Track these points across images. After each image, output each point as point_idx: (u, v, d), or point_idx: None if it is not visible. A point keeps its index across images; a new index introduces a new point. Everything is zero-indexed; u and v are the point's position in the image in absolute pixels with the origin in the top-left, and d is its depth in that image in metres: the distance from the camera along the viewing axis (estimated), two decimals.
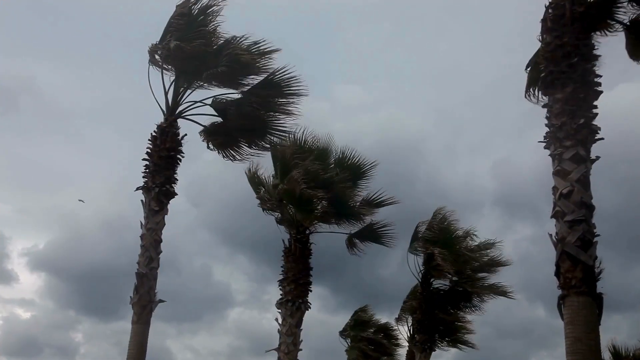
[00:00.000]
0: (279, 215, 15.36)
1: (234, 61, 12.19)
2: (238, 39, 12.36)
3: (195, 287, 45.32)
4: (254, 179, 15.56)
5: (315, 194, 14.26)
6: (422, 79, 54.54)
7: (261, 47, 12.40)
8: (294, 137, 15.01)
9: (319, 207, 14.51)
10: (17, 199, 48.64)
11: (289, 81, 12.61)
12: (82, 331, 44.57)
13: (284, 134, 13.41)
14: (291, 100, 12.86)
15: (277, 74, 12.57)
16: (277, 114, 13.06)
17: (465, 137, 50.70)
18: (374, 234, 16.00)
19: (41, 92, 45.81)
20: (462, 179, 45.16)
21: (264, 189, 15.37)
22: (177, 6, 12.34)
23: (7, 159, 45.89)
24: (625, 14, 9.70)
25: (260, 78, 12.70)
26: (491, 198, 42.44)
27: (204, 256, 47.38)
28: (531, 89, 10.73)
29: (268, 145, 13.52)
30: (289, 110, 12.95)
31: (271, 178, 15.45)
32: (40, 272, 50.31)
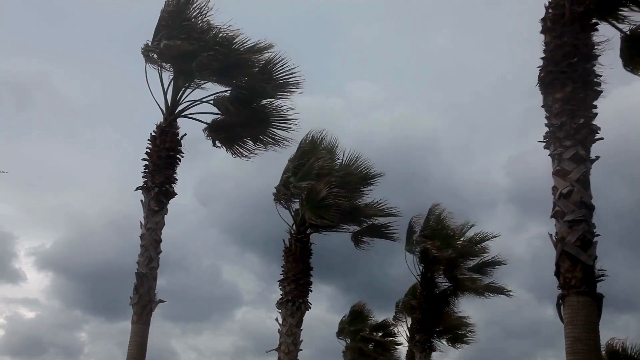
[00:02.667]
0: (291, 211, 15.41)
1: (224, 49, 12.14)
2: (230, 35, 12.29)
3: (203, 286, 45.53)
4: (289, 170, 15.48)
5: (341, 203, 14.28)
6: (431, 76, 54.38)
7: (255, 44, 12.40)
8: (313, 137, 15.35)
9: (331, 216, 14.43)
10: (23, 198, 48.71)
11: (284, 70, 12.63)
12: (87, 331, 44.67)
13: (286, 125, 13.39)
14: (288, 90, 12.86)
15: (270, 64, 12.57)
16: (275, 105, 13.10)
17: (479, 135, 50.35)
18: (378, 231, 16.04)
19: (44, 92, 45.91)
20: (476, 177, 45.02)
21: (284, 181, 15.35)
22: (165, 4, 12.29)
23: (10, 159, 45.94)
24: (625, 19, 9.69)
25: (255, 69, 12.69)
26: (505, 196, 42.12)
27: (213, 255, 47.51)
28: None
29: (271, 140, 13.51)
30: (287, 97, 12.99)
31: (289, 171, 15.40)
32: (48, 271, 50.48)
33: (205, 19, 12.38)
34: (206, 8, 12.30)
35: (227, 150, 13.66)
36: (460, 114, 51.41)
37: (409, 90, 55.43)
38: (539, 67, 8.97)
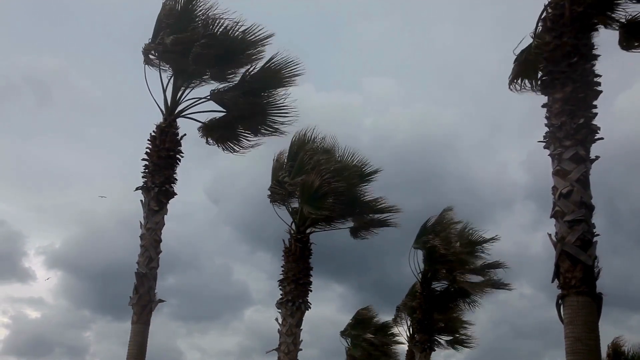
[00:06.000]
0: (289, 209, 15.43)
1: (223, 42, 12.17)
2: (231, 26, 12.30)
3: (215, 285, 45.55)
4: (277, 169, 15.46)
5: (334, 188, 14.25)
6: (440, 73, 54.09)
7: (255, 33, 12.39)
8: (305, 134, 15.34)
9: (329, 205, 14.39)
10: (31, 197, 48.67)
11: (286, 65, 12.63)
12: (94, 330, 44.57)
13: (284, 116, 13.35)
14: (288, 81, 12.86)
15: (272, 60, 12.58)
16: (275, 95, 13.10)
17: (496, 131, 49.83)
18: (377, 221, 16.01)
19: (49, 90, 45.86)
20: (494, 174, 44.51)
21: (278, 180, 15.35)
22: (163, 4, 12.30)
23: (15, 158, 46.01)
24: (625, 10, 9.80)
25: (254, 61, 12.70)
26: (524, 193, 41.58)
27: (225, 254, 47.49)
28: (516, 80, 10.95)
29: (270, 130, 13.48)
30: (287, 84, 12.94)
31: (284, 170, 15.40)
32: (57, 270, 50.32)
33: (207, 17, 12.35)
34: (205, 5, 12.32)
35: (219, 146, 13.66)
36: (477, 110, 50.96)
37: (421, 86, 55.24)
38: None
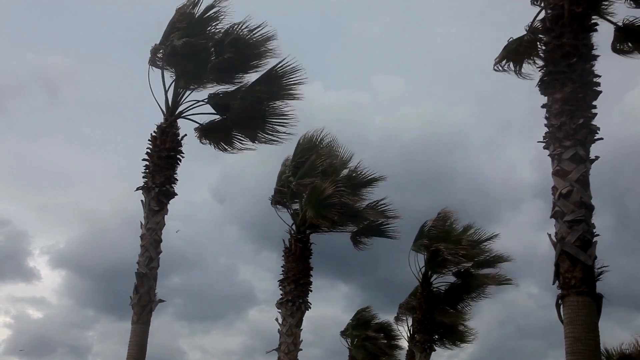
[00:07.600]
0: (290, 211, 15.46)
1: (237, 47, 12.22)
2: (238, 26, 12.36)
3: (221, 285, 45.53)
4: (283, 174, 15.52)
5: (346, 202, 14.28)
6: (445, 71, 53.81)
7: (264, 41, 12.45)
8: (312, 135, 15.42)
9: (333, 215, 14.38)
10: (35, 196, 48.57)
11: (290, 72, 12.64)
12: (97, 330, 44.46)
13: (284, 125, 13.33)
14: (292, 89, 12.86)
15: (277, 67, 12.61)
16: (277, 103, 13.08)
17: (505, 129, 49.44)
18: (376, 230, 16.06)
19: (57, 90, 45.88)
20: (503, 172, 44.23)
21: (282, 180, 15.40)
22: (177, 9, 12.35)
23: (21, 158, 46.01)
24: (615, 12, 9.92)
25: (262, 63, 12.75)
26: (533, 191, 41.23)
27: (231, 253, 47.41)
28: (501, 62, 11.13)
29: (269, 135, 13.44)
30: (290, 96, 12.93)
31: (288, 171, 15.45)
32: (62, 270, 50.31)
33: (215, 23, 12.43)
34: (217, 12, 12.37)
35: (210, 144, 13.57)
36: (485, 108, 50.71)
37: (429, 85, 55.00)
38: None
